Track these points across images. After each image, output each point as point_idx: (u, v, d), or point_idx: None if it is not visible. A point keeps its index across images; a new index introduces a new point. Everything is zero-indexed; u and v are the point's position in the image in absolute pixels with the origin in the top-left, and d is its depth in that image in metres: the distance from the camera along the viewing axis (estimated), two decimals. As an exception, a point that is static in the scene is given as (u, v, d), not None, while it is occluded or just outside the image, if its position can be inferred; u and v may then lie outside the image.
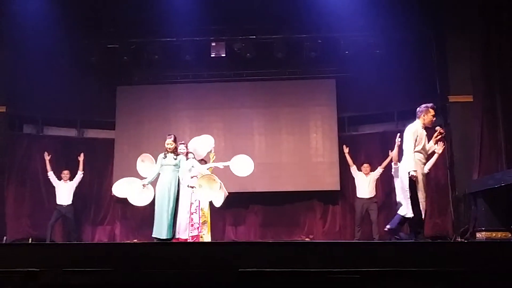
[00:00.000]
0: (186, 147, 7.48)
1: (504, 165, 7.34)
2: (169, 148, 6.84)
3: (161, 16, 9.19)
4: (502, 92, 7.70)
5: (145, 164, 7.56)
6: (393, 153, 7.66)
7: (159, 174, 6.97)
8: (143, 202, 7.21)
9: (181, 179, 7.12)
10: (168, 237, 6.54)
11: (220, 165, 7.85)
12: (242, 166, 7.92)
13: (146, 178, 7.06)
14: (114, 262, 4.58)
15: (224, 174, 9.09)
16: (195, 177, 7.57)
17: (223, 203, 7.52)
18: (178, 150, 7.06)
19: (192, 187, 7.27)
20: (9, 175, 9.62)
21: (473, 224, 7.37)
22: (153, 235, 6.73)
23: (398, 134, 7.51)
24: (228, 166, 7.87)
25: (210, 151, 7.93)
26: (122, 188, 7.21)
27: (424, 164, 6.12)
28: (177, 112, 10.48)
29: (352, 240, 8.67)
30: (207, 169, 7.82)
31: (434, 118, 6.16)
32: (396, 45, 9.40)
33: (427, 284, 4.16)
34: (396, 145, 7.48)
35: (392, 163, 7.75)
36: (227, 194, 7.52)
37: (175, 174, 6.75)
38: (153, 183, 7.00)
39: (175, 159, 6.79)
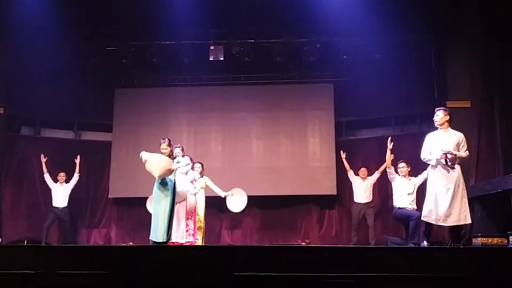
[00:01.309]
0: (182, 150, 7.45)
1: (501, 171, 7.34)
2: (164, 153, 6.80)
3: (160, 19, 9.19)
4: (500, 98, 7.71)
5: None
6: (386, 158, 7.66)
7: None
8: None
9: (177, 184, 7.09)
10: (164, 240, 6.51)
11: (221, 193, 8.17)
12: (236, 202, 8.35)
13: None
14: (109, 265, 4.57)
15: (221, 179, 9.12)
16: (192, 183, 7.56)
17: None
18: (174, 153, 7.02)
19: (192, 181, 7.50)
20: (6, 177, 9.60)
21: (470, 229, 7.36)
22: (150, 238, 6.69)
23: (390, 139, 7.52)
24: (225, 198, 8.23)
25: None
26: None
27: (443, 169, 6.05)
28: (175, 115, 10.48)
29: (348, 245, 8.66)
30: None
31: (434, 118, 6.24)
32: (394, 50, 9.41)
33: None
34: (388, 150, 7.49)
35: (387, 168, 7.76)
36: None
37: (171, 176, 6.71)
38: (150, 186, 6.91)
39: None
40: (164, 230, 6.49)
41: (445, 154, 5.93)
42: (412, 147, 8.57)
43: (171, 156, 6.82)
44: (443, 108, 6.32)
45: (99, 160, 10.37)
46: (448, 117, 6.22)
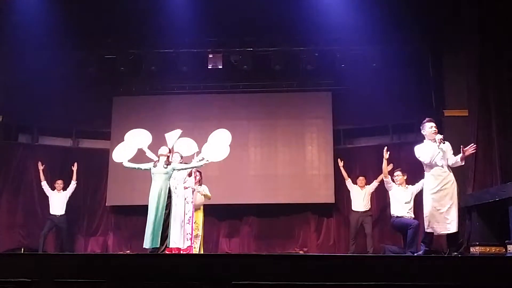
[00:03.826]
0: (181, 157, 7.46)
1: (498, 180, 7.35)
2: (161, 155, 6.79)
3: (159, 28, 9.22)
4: (497, 106, 7.74)
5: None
6: (383, 167, 7.67)
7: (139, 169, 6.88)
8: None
9: (174, 188, 7.08)
10: (155, 246, 6.45)
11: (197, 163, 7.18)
12: (217, 149, 7.12)
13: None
14: (106, 273, 4.56)
15: (218, 185, 9.11)
16: (190, 188, 7.56)
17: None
18: (171, 159, 7.02)
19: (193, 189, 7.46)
20: (3, 184, 9.59)
21: (467, 238, 7.36)
22: (143, 246, 6.63)
23: (386, 148, 7.54)
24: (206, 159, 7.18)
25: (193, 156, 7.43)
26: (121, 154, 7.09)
27: (436, 179, 6.09)
28: (173, 123, 10.34)
29: (346, 253, 8.65)
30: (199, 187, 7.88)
31: (432, 130, 6.20)
32: (392, 59, 9.44)
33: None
34: (384, 159, 7.50)
35: (383, 177, 7.75)
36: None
37: (166, 182, 6.68)
38: (146, 192, 6.90)
39: (165, 167, 6.73)
40: (155, 236, 6.44)
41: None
42: (410, 156, 8.56)
43: (166, 160, 6.80)
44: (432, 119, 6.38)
45: (96, 168, 10.35)
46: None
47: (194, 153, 7.48)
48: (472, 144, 6.21)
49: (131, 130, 7.34)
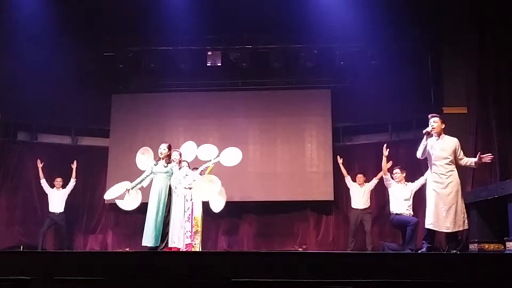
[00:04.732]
0: (180, 155, 7.46)
1: (497, 177, 7.37)
2: (161, 154, 6.79)
3: (157, 25, 9.21)
4: (496, 104, 7.75)
5: (145, 156, 7.50)
6: (382, 165, 7.67)
7: (144, 180, 6.95)
8: (131, 206, 7.24)
9: (175, 188, 7.09)
10: (155, 245, 6.45)
11: (210, 163, 8.16)
12: (231, 157, 8.33)
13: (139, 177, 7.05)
14: (105, 271, 4.56)
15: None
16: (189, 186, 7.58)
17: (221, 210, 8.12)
18: (172, 157, 7.02)
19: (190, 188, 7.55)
20: (2, 182, 9.58)
21: (466, 235, 7.37)
22: (142, 244, 6.64)
23: (385, 145, 7.54)
24: (218, 161, 8.23)
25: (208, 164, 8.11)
26: (113, 191, 7.25)
27: (442, 176, 6.05)
28: (172, 120, 10.47)
29: (345, 251, 8.66)
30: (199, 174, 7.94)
31: (430, 125, 6.15)
32: (391, 56, 9.45)
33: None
34: (384, 157, 7.50)
35: (383, 175, 7.76)
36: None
37: (166, 181, 6.68)
38: (147, 192, 6.92)
39: (166, 166, 6.73)
40: (156, 235, 6.45)
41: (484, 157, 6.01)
42: (409, 153, 8.57)
43: (167, 159, 6.80)
44: (439, 115, 6.31)
45: (95, 165, 10.34)
46: (444, 125, 6.22)
47: (205, 168, 8.14)
48: (490, 153, 6.10)
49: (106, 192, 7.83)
